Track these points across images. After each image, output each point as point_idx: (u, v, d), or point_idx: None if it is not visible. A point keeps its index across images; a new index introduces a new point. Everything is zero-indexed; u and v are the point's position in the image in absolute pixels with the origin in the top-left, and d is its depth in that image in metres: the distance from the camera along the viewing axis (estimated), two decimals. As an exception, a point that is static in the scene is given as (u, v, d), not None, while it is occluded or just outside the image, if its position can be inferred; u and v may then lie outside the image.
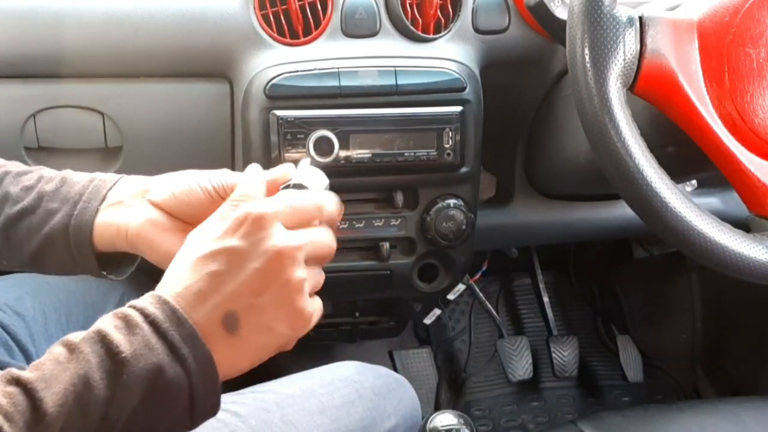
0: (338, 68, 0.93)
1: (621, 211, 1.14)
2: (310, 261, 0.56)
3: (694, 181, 1.13)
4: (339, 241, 1.02)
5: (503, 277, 1.73)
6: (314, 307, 0.57)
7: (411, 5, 0.96)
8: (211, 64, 0.95)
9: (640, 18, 0.73)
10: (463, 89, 0.95)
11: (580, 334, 1.64)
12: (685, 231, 0.72)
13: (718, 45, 0.75)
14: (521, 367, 1.55)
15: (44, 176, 0.69)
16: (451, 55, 0.96)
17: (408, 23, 0.96)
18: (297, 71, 0.92)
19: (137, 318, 0.51)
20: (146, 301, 0.52)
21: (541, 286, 1.69)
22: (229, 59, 0.95)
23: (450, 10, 0.97)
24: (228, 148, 1.00)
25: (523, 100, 1.07)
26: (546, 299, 1.68)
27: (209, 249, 0.54)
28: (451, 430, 1.21)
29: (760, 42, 0.75)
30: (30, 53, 0.92)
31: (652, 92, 0.75)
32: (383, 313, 1.52)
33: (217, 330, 0.52)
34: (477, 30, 0.98)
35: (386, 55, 0.95)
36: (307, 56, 0.94)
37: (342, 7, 0.95)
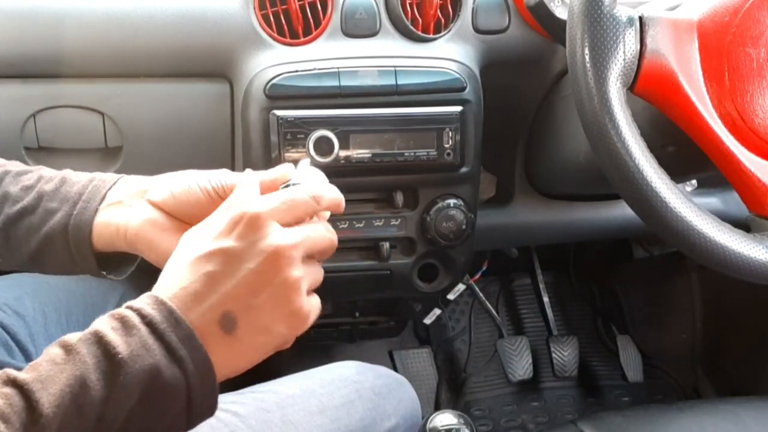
0: (338, 68, 0.93)
1: (621, 211, 1.14)
2: (310, 257, 0.56)
3: (694, 181, 1.13)
4: (339, 241, 1.02)
5: (503, 277, 1.73)
6: (312, 306, 0.56)
7: (411, 5, 0.96)
8: (211, 64, 0.95)
9: (640, 18, 0.73)
10: (463, 89, 0.95)
11: (580, 334, 1.64)
12: (685, 231, 0.72)
13: (718, 45, 0.75)
14: (521, 367, 1.55)
15: (44, 176, 0.69)
16: (451, 55, 0.96)
17: (408, 23, 0.96)
18: (297, 71, 0.92)
19: (134, 319, 0.51)
20: (143, 302, 0.52)
21: (541, 286, 1.69)
22: (229, 59, 0.95)
23: (450, 10, 0.97)
24: (228, 148, 1.00)
25: (523, 100, 1.07)
26: (546, 299, 1.68)
27: (205, 250, 0.54)
28: (451, 430, 1.21)
29: (760, 42, 0.75)
30: (30, 53, 0.92)
31: (652, 92, 0.75)
32: (383, 313, 1.52)
33: (214, 331, 0.52)
34: (477, 30, 0.98)
35: (386, 55, 0.95)
36: (307, 56, 0.94)
37: (342, 7, 0.95)
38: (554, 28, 0.91)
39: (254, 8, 0.94)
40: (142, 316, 0.51)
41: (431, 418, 1.23)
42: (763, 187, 0.75)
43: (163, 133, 0.98)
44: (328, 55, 0.94)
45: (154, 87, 0.96)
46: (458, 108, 0.94)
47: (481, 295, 1.64)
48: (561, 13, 0.89)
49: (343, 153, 0.93)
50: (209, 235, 0.55)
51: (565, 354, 1.57)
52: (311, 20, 0.94)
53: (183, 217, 0.64)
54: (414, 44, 0.97)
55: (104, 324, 0.51)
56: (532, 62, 1.02)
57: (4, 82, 0.94)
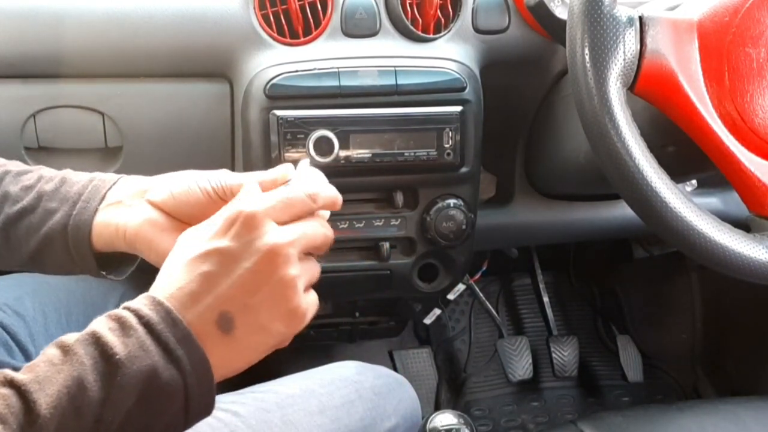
0: (338, 68, 0.93)
1: (621, 211, 1.14)
2: (306, 253, 0.56)
3: (694, 181, 1.13)
4: (339, 241, 1.02)
5: (503, 277, 1.73)
6: (309, 303, 0.56)
7: (411, 5, 0.96)
8: (211, 64, 0.95)
9: (640, 18, 0.73)
10: (463, 89, 0.95)
11: (580, 334, 1.64)
12: (685, 231, 0.72)
13: (718, 45, 0.75)
14: (521, 367, 1.55)
15: (44, 176, 0.69)
16: (451, 55, 0.96)
17: (408, 23, 0.96)
18: (297, 71, 0.92)
19: (132, 320, 0.51)
20: (140, 302, 0.52)
21: (541, 286, 1.69)
22: (229, 59, 0.95)
23: (450, 10, 0.97)
24: (228, 148, 1.00)
25: (523, 100, 1.07)
26: (546, 299, 1.68)
27: (201, 250, 0.54)
28: (451, 430, 1.21)
29: (760, 42, 0.75)
30: (30, 53, 0.92)
31: (652, 92, 0.75)
32: (383, 313, 1.52)
33: (211, 331, 0.52)
34: (477, 30, 0.98)
35: (386, 55, 0.95)
36: (307, 56, 0.94)
37: (342, 7, 0.95)
38: (554, 28, 0.90)
39: (254, 8, 0.94)
40: (140, 317, 0.51)
41: (431, 418, 1.23)
42: (763, 187, 0.75)
43: (163, 133, 0.98)
44: (328, 55, 0.94)
45: (154, 87, 0.96)
46: (458, 108, 0.94)
47: (481, 295, 1.64)
48: (561, 13, 0.89)
49: (343, 153, 0.93)
50: (205, 235, 0.55)
51: (565, 354, 1.57)
52: (311, 20, 0.94)
53: (183, 217, 0.64)
54: (414, 44, 0.97)
55: (102, 325, 0.51)
56: (532, 62, 1.02)
57: (4, 82, 0.94)
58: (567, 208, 1.16)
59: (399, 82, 0.93)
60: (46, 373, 0.48)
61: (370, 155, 0.94)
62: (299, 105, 0.92)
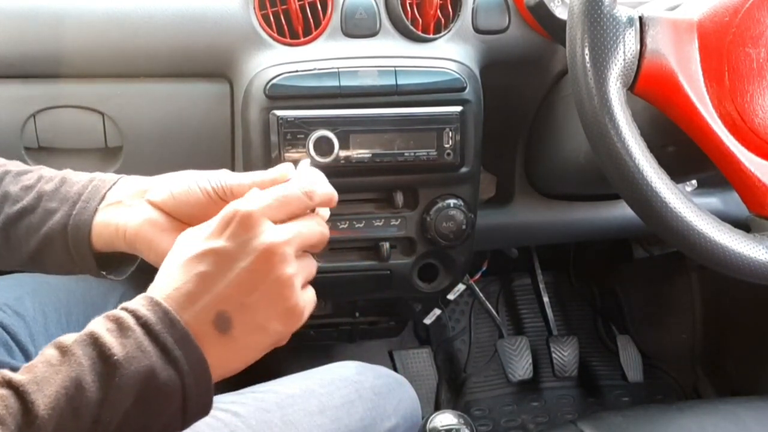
0: (338, 68, 0.93)
1: (621, 211, 1.14)
2: (302, 251, 0.56)
3: (694, 181, 1.13)
4: (339, 241, 1.02)
5: (503, 277, 1.73)
6: (307, 301, 0.56)
7: (411, 5, 0.96)
8: (211, 64, 0.95)
9: (640, 18, 0.73)
10: (463, 89, 0.95)
11: (580, 334, 1.64)
12: (685, 231, 0.72)
13: (718, 45, 0.75)
14: (521, 367, 1.55)
15: (44, 176, 0.69)
16: (451, 55, 0.96)
17: (408, 23, 0.96)
18: (297, 71, 0.92)
19: (129, 320, 0.51)
20: (138, 302, 0.52)
21: (541, 286, 1.69)
22: (229, 59, 0.95)
23: (450, 10, 0.97)
24: (228, 148, 1.00)
25: (523, 100, 1.07)
26: (546, 299, 1.68)
27: (198, 250, 0.54)
28: (451, 430, 1.21)
29: (760, 42, 0.75)
30: (30, 53, 0.92)
31: (652, 92, 0.75)
32: (383, 313, 1.52)
33: (209, 331, 0.52)
34: (477, 30, 0.98)
35: (386, 55, 0.95)
36: (307, 56, 0.94)
37: (342, 7, 0.95)
38: (554, 28, 0.90)
39: (254, 8, 0.94)
40: (137, 318, 0.51)
41: (431, 418, 1.23)
42: (763, 187, 0.75)
43: (163, 133, 0.98)
44: (328, 55, 0.94)
45: (154, 87, 0.96)
46: (458, 108, 0.94)
47: (481, 295, 1.64)
48: (561, 13, 0.89)
49: (343, 153, 0.93)
50: (202, 235, 0.55)
51: (565, 354, 1.57)
52: (311, 20, 0.94)
53: (182, 217, 0.64)
54: (414, 44, 0.97)
55: (100, 325, 0.51)
56: (532, 62, 1.02)
57: (4, 82, 0.94)
58: (567, 208, 1.16)
59: (399, 82, 0.93)
60: (45, 373, 0.48)
61: (370, 155, 0.94)
62: (299, 105, 0.92)
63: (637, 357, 1.60)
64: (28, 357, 0.83)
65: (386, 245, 1.02)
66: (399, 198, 1.00)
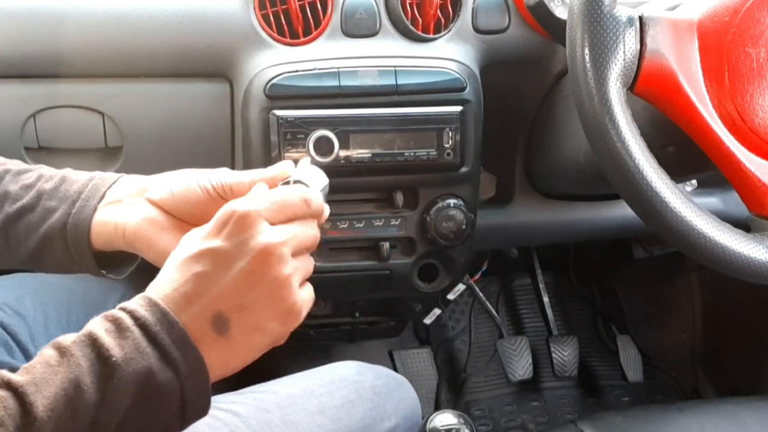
0: (338, 68, 0.93)
1: (621, 211, 1.14)
2: (296, 252, 0.56)
3: (694, 181, 1.13)
4: (339, 241, 1.02)
5: (503, 277, 1.73)
6: (305, 299, 0.56)
7: (411, 5, 0.96)
8: (211, 64, 0.95)
9: (640, 18, 0.73)
10: (463, 89, 0.95)
11: (580, 334, 1.64)
12: (685, 231, 0.72)
13: (718, 45, 0.75)
14: (521, 367, 1.55)
15: (44, 175, 0.69)
16: (451, 55, 0.96)
17: (408, 23, 0.96)
18: (297, 71, 0.92)
19: (128, 321, 0.51)
20: (137, 303, 0.52)
21: (541, 286, 1.69)
22: (229, 59, 0.95)
23: (450, 10, 0.97)
24: (228, 148, 1.00)
25: (523, 100, 1.07)
26: (546, 299, 1.68)
27: (195, 250, 0.54)
28: (451, 430, 1.21)
29: (760, 42, 0.75)
30: (30, 53, 0.92)
31: (652, 92, 0.75)
32: (383, 313, 1.52)
33: (206, 332, 0.52)
34: (477, 30, 0.98)
35: (386, 55, 0.95)
36: (307, 56, 0.94)
37: (342, 7, 0.95)
38: (554, 28, 0.90)
39: (254, 8, 0.94)
40: (136, 318, 0.51)
41: (431, 418, 1.23)
42: (763, 187, 0.75)
43: (163, 133, 0.98)
44: (328, 55, 0.94)
45: (154, 87, 0.96)
46: (458, 108, 0.94)
47: (481, 295, 1.64)
48: (561, 13, 0.89)
49: (343, 153, 0.93)
50: (200, 235, 0.55)
51: (565, 354, 1.57)
52: (311, 20, 0.94)
53: (182, 215, 0.64)
54: (414, 44, 0.97)
55: (98, 326, 0.51)
56: (532, 62, 1.02)
57: (4, 82, 0.94)
58: (567, 208, 1.16)
59: (399, 82, 0.93)
60: (43, 374, 0.48)
61: (370, 155, 0.94)
62: (299, 105, 0.92)
63: (637, 357, 1.60)
64: (28, 357, 0.83)
65: (386, 245, 1.02)
66: (399, 198, 1.00)
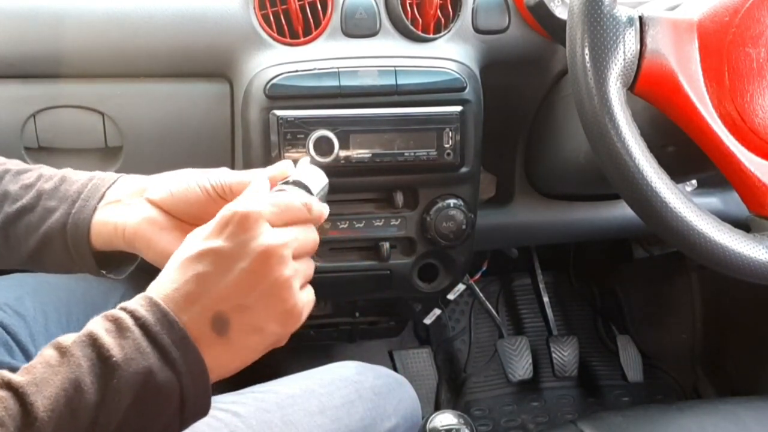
0: (338, 68, 0.93)
1: (621, 211, 1.13)
2: (297, 255, 0.56)
3: (694, 181, 1.13)
4: (339, 241, 1.02)
5: (503, 277, 1.73)
6: (305, 302, 0.56)
7: (411, 5, 0.96)
8: (211, 64, 0.95)
9: (640, 18, 0.73)
10: (463, 89, 0.95)
11: (580, 334, 1.64)
12: (685, 231, 0.72)
13: (718, 45, 0.75)
14: (521, 367, 1.55)
15: (44, 174, 0.69)
16: (451, 55, 0.96)
17: (408, 23, 0.96)
18: (297, 71, 0.92)
19: (128, 321, 0.51)
20: (137, 302, 0.52)
21: (541, 286, 1.69)
22: (229, 59, 0.95)
23: (450, 10, 0.97)
24: (228, 148, 1.00)
25: (523, 100, 1.07)
26: (546, 299, 1.67)
27: (196, 250, 0.54)
28: (451, 430, 1.21)
29: (760, 42, 0.75)
30: (30, 53, 0.92)
31: (652, 92, 0.75)
32: (383, 313, 1.52)
33: (206, 332, 0.52)
34: (477, 30, 0.98)
35: (386, 55, 0.95)
36: (307, 56, 0.94)
37: (342, 7, 0.95)
38: (554, 28, 0.90)
39: (254, 8, 0.94)
40: (136, 318, 0.51)
41: (431, 418, 1.23)
42: (763, 187, 0.75)
43: (163, 133, 0.98)
44: (328, 55, 0.94)
45: (154, 87, 0.96)
46: (458, 108, 0.94)
47: (481, 295, 1.64)
48: (561, 13, 0.89)
49: (343, 153, 0.93)
50: (201, 235, 0.55)
51: (565, 354, 1.57)
52: (311, 20, 0.94)
53: (182, 215, 0.64)
54: (414, 44, 0.97)
55: (98, 326, 0.51)
56: (532, 62, 1.02)
57: (4, 82, 0.94)
58: (567, 208, 1.16)
59: (399, 82, 0.93)
60: (44, 374, 0.48)
61: (370, 155, 0.94)
62: (299, 105, 0.92)
63: (637, 357, 1.60)
64: (28, 357, 0.83)
65: (386, 245, 1.02)
66: (399, 198, 1.00)
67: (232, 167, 0.99)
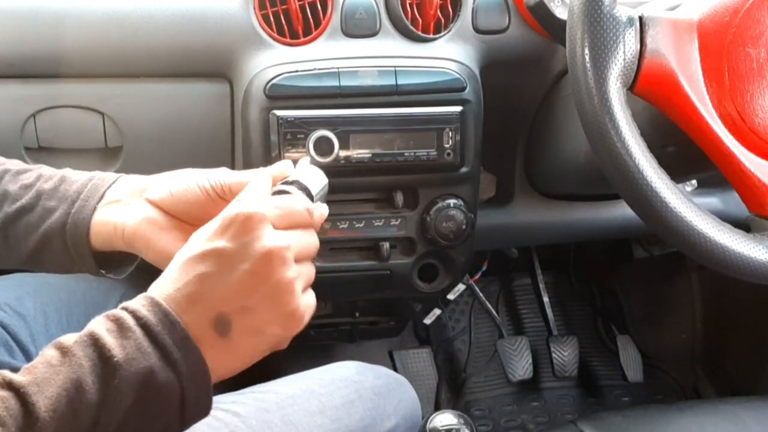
0: (338, 68, 0.93)
1: (621, 211, 1.13)
2: (299, 259, 0.56)
3: (694, 181, 1.13)
4: (339, 241, 1.02)
5: (503, 277, 1.73)
6: (307, 304, 0.56)
7: (411, 5, 0.96)
8: (211, 64, 0.95)
9: (640, 18, 0.73)
10: (463, 89, 0.95)
11: (580, 334, 1.64)
12: (685, 231, 0.72)
13: (718, 45, 0.75)
14: (521, 367, 1.55)
15: (43, 174, 0.69)
16: (451, 55, 0.96)
17: (408, 23, 0.96)
18: (297, 71, 0.92)
19: (129, 321, 0.51)
20: (138, 302, 0.52)
21: (541, 286, 1.69)
22: (229, 59, 0.95)
23: (450, 10, 0.97)
24: (228, 148, 1.00)
25: (523, 100, 1.07)
26: (546, 299, 1.67)
27: (199, 250, 0.54)
28: (451, 430, 1.21)
29: (760, 42, 0.75)
30: (30, 53, 0.92)
31: (652, 92, 0.75)
32: (383, 313, 1.52)
33: (208, 333, 0.52)
34: (477, 30, 0.98)
35: (386, 55, 0.95)
36: (307, 56, 0.94)
37: (342, 7, 0.95)
38: (554, 28, 0.90)
39: (254, 8, 0.94)
40: (137, 318, 0.51)
41: (431, 418, 1.23)
42: (763, 187, 0.75)
43: (163, 133, 0.98)
44: (328, 55, 0.94)
45: (154, 87, 0.96)
46: (458, 108, 0.94)
47: (481, 295, 1.64)
48: (561, 13, 0.89)
49: (343, 153, 0.93)
50: (204, 236, 0.55)
51: (565, 354, 1.57)
52: (311, 20, 0.94)
53: (181, 215, 0.64)
54: (414, 44, 0.97)
55: (100, 325, 0.51)
56: (532, 62, 1.02)
57: (4, 82, 0.94)
58: (567, 208, 1.16)
59: (399, 82, 0.93)
60: (45, 374, 0.48)
61: (370, 155, 0.94)
62: (299, 105, 0.92)
63: (637, 357, 1.60)
64: (28, 357, 0.83)
65: (386, 245, 1.02)
66: (399, 198, 1.00)
67: (232, 167, 0.99)
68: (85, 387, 0.48)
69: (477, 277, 1.59)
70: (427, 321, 1.61)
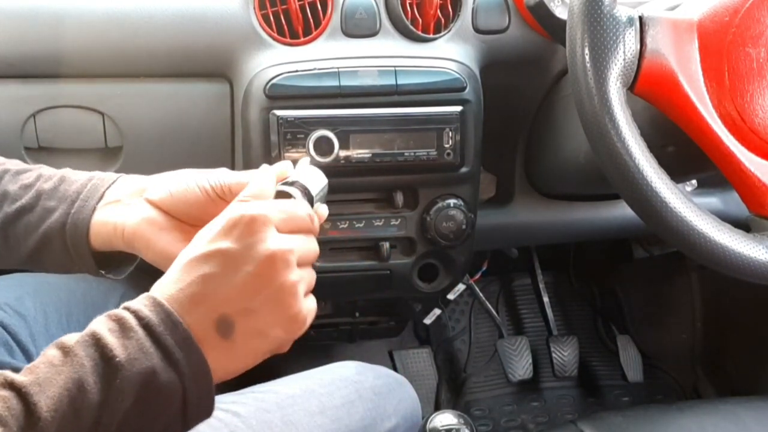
0: (338, 68, 0.93)
1: (621, 211, 1.14)
2: (301, 263, 0.56)
3: (694, 181, 1.13)
4: (339, 241, 1.02)
5: (503, 277, 1.73)
6: (309, 308, 0.56)
7: (411, 5, 0.96)
8: (211, 64, 0.95)
9: (640, 18, 0.73)
10: (463, 89, 0.95)
11: (580, 334, 1.64)
12: (685, 231, 0.72)
13: (718, 45, 0.75)
14: (521, 367, 1.55)
15: (43, 174, 0.69)
16: (451, 55, 0.96)
17: (408, 23, 0.96)
18: (297, 71, 0.92)
19: (131, 321, 0.51)
20: (141, 302, 0.52)
21: (541, 286, 1.69)
22: (229, 59, 0.95)
23: (450, 10, 0.97)
24: (228, 148, 1.00)
25: (523, 100, 1.07)
26: (546, 299, 1.67)
27: (202, 251, 0.54)
28: (451, 430, 1.21)
29: (760, 42, 0.75)
30: (30, 53, 0.92)
31: (652, 92, 0.75)
32: (383, 313, 1.52)
33: (210, 334, 0.52)
34: (477, 30, 0.98)
35: (386, 55, 0.95)
36: (307, 56, 0.94)
37: (342, 7, 0.95)
38: (554, 28, 0.91)
39: (254, 8, 0.94)
40: (140, 318, 0.51)
41: (431, 418, 1.23)
42: (763, 187, 0.75)
43: (163, 133, 0.98)
44: (328, 55, 0.94)
45: (154, 87, 0.96)
46: (458, 108, 0.94)
47: (481, 295, 1.64)
48: (561, 13, 0.89)
49: (343, 153, 0.93)
50: (207, 236, 0.55)
51: (565, 354, 1.57)
52: (311, 20, 0.94)
53: (181, 216, 0.64)
54: (414, 44, 0.97)
55: (101, 325, 0.51)
56: (532, 62, 1.02)
57: (4, 82, 0.94)
58: (567, 208, 1.16)
59: (399, 82, 0.93)
60: (47, 374, 0.48)
61: (370, 155, 0.94)
62: (299, 105, 0.92)
63: (637, 357, 1.60)
64: (28, 357, 0.83)
65: (386, 245, 1.02)
66: (399, 198, 1.00)
67: (232, 167, 0.99)
68: (87, 387, 0.48)
69: (477, 277, 1.59)
70: (427, 321, 1.61)
